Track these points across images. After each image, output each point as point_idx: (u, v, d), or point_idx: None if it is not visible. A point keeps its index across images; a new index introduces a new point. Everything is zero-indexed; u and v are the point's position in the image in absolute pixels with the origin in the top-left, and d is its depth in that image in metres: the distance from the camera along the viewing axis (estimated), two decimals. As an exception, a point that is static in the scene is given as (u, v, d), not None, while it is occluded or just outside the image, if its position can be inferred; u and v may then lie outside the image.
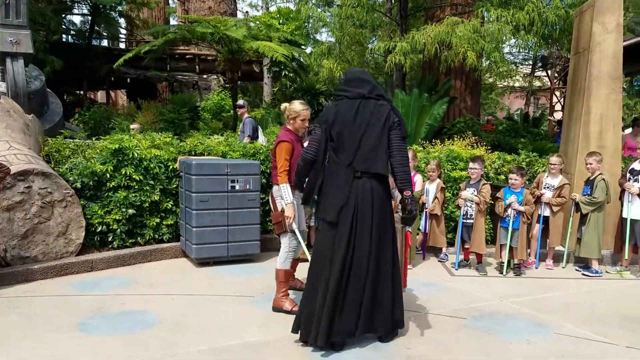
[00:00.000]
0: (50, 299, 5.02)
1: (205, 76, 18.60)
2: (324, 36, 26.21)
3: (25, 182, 5.61)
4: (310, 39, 18.17)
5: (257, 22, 15.01)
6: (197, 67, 18.50)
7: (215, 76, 18.48)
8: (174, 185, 6.76)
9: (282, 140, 4.62)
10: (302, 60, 13.76)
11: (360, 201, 3.81)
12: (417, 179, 6.57)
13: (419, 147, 8.46)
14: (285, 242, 4.75)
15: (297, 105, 4.76)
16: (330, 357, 3.80)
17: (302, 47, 15.54)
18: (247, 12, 25.18)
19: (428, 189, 6.79)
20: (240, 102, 9.66)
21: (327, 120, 3.89)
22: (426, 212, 6.76)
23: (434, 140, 9.77)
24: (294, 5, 14.57)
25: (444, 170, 7.36)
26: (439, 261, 6.88)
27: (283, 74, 16.06)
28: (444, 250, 6.93)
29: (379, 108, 3.84)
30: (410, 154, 6.46)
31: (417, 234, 6.85)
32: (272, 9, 20.02)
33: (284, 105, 4.90)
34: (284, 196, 4.52)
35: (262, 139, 9.31)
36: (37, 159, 6.14)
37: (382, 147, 3.82)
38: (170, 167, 6.73)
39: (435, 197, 6.69)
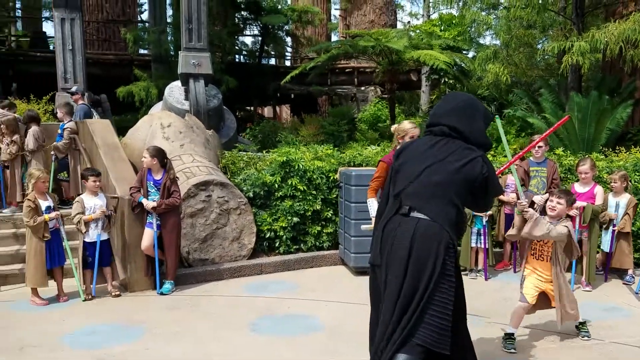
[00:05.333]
0: (226, 299, 5.46)
1: (363, 88, 18.93)
2: (487, 39, 25.11)
3: (206, 192, 6.21)
4: (473, 43, 17.49)
5: (418, 31, 14.86)
6: (355, 79, 18.89)
7: (372, 87, 18.72)
8: (334, 195, 6.94)
9: (380, 160, 5.03)
10: (463, 65, 13.30)
11: (395, 245, 2.96)
12: (598, 190, 5.89)
13: (600, 155, 7.59)
14: None
15: (406, 125, 4.96)
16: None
17: (464, 52, 15.04)
18: (408, 21, 25.16)
19: (618, 203, 6.02)
20: (73, 88, 9.11)
21: (397, 152, 3.31)
22: (614, 229, 6.00)
23: (617, 147, 8.71)
24: (457, 10, 14.13)
25: (631, 181, 6.49)
26: (623, 284, 6.07)
27: (442, 81, 15.69)
28: (630, 271, 6.10)
29: (464, 151, 3.06)
30: (588, 163, 5.86)
31: (597, 252, 6.13)
32: (434, 16, 19.70)
33: (394, 126, 5.11)
34: (370, 210, 4.90)
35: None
36: (216, 170, 6.77)
37: (448, 191, 2.97)
38: (331, 177, 6.93)
39: (626, 213, 5.92)
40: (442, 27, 17.29)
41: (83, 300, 5.30)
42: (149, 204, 5.46)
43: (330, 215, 6.94)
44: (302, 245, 6.90)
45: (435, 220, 2.91)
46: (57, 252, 5.32)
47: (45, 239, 5.16)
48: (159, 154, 5.58)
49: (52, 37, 13.68)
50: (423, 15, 22.48)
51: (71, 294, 5.39)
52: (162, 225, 5.54)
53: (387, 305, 2.92)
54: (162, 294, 5.54)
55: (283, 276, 6.33)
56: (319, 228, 6.92)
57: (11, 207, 6.81)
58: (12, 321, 4.73)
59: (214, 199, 6.26)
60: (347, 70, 18.89)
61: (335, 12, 27.60)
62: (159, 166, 5.58)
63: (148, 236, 5.56)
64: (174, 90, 10.02)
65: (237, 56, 17.87)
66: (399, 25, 23.36)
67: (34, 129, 6.97)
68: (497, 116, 3.93)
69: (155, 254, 5.58)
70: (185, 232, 6.08)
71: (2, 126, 6.91)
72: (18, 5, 18.06)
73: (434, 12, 18.96)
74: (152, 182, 5.57)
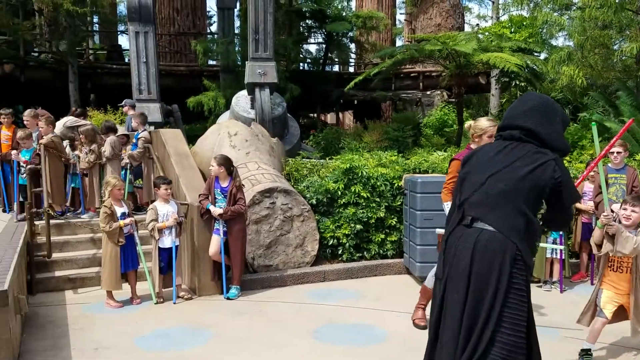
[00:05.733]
0: (290, 306, 5.49)
1: (428, 92, 18.63)
2: (560, 41, 24.08)
3: (270, 199, 6.30)
4: (545, 45, 16.86)
5: (487, 34, 14.44)
6: (420, 84, 18.63)
7: (439, 92, 18.37)
8: (399, 203, 6.84)
9: (453, 158, 4.61)
10: (535, 68, 12.80)
11: (456, 258, 2.84)
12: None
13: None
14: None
15: (483, 122, 4.59)
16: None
17: (536, 54, 14.49)
18: (477, 24, 24.54)
19: None
20: (123, 102, 9.57)
21: (463, 160, 3.16)
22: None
23: None
24: (528, 12, 13.60)
25: None
26: None
27: (513, 83, 15.18)
28: None
29: (534, 155, 2.85)
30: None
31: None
32: (503, 18, 19.12)
33: (468, 123, 4.76)
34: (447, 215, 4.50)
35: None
36: (280, 177, 6.85)
37: (515, 199, 2.78)
38: (396, 185, 6.84)
39: None
40: (512, 29, 16.73)
41: (155, 304, 5.50)
42: (216, 210, 5.60)
43: (394, 223, 6.84)
44: (365, 253, 6.85)
45: (499, 231, 2.76)
46: (131, 257, 5.55)
47: (120, 244, 5.40)
48: (226, 163, 5.72)
49: (127, 50, 14.39)
50: (492, 17, 21.90)
51: (144, 296, 5.60)
52: (228, 231, 5.66)
53: (450, 323, 2.81)
54: (228, 298, 5.66)
55: (346, 284, 6.30)
56: (382, 236, 6.84)
57: (89, 213, 7.19)
58: (88, 323, 4.98)
59: (278, 206, 6.33)
60: (412, 74, 18.66)
61: (401, 16, 27.40)
62: (226, 174, 5.71)
63: (215, 242, 5.70)
64: (241, 99, 10.26)
65: (301, 64, 18.09)
66: (467, 28, 22.85)
67: (111, 138, 7.34)
68: (594, 123, 3.68)
69: (222, 259, 5.71)
70: (250, 238, 6.18)
71: (81, 136, 7.33)
72: (95, 19, 19.19)
73: (504, 14, 18.38)
74: (219, 190, 5.71)
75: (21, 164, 7.24)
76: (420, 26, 19.98)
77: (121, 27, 21.26)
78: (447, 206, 4.56)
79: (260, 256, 6.31)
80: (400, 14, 27.35)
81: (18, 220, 6.81)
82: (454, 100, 14.19)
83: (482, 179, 2.89)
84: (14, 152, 7.39)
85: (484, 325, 2.69)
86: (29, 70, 15.30)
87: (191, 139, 8.38)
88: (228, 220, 5.63)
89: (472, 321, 2.72)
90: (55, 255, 6.24)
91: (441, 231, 4.78)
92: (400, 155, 7.82)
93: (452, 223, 2.98)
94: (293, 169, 7.51)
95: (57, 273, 6.09)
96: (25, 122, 7.86)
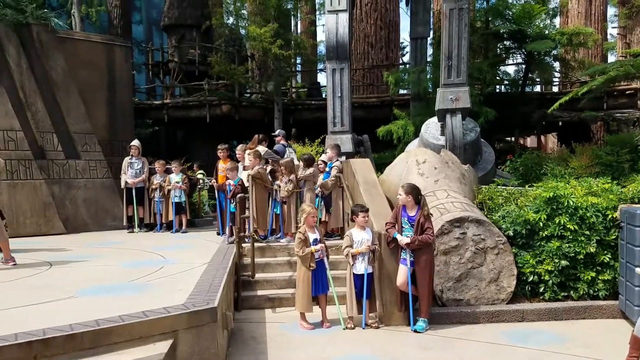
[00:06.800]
0: (483, 345, 5.10)
1: (649, 111, 16.31)
2: None
3: (460, 229, 6.01)
4: None
5: None
6: (639, 102, 16.43)
7: (662, 110, 15.94)
8: (613, 237, 5.99)
9: None
10: None
11: None
12: None
13: None
14: None
15: None
16: None
17: None
18: None
19: None
20: (275, 132, 10.07)
21: None
22: None
23: None
24: None
25: None
26: None
27: None
28: None
29: None
30: None
31: None
32: None
33: None
34: None
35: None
36: (471, 206, 6.51)
37: None
38: (609, 216, 6.00)
39: None
40: None
41: (343, 329, 5.59)
42: (403, 239, 5.52)
43: (607, 259, 5.99)
44: (572, 292, 6.10)
45: None
46: (322, 281, 5.75)
47: (311, 269, 5.64)
48: (413, 191, 5.63)
49: (325, 86, 15.39)
50: None
51: (332, 321, 5.73)
52: (416, 261, 5.53)
53: None
54: (415, 331, 5.49)
55: (549, 326, 5.65)
56: (593, 274, 6.03)
57: (287, 237, 7.71)
58: (284, 341, 5.26)
59: (468, 237, 6.00)
60: (627, 92, 16.63)
61: (612, 30, 24.84)
62: (413, 203, 5.62)
63: (402, 272, 5.60)
64: (430, 126, 10.14)
65: (497, 86, 17.35)
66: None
67: (311, 169, 7.86)
68: None
69: (409, 290, 5.58)
70: (439, 270, 5.95)
71: (281, 168, 7.95)
72: (298, 60, 20.99)
73: None
74: (406, 218, 5.63)
75: (230, 187, 8.07)
76: (636, 40, 17.78)
77: (320, 66, 22.91)
78: None
79: (449, 289, 6.02)
80: (612, 27, 24.81)
81: (229, 243, 7.62)
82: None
83: None
84: (228, 181, 8.32)
85: None
86: (241, 109, 17.36)
87: (380, 167, 8.50)
88: (415, 250, 5.50)
89: None
90: (258, 276, 6.79)
91: None
92: (614, 182, 6.93)
93: None
94: (487, 197, 7.10)
95: (259, 292, 6.60)
96: (237, 156, 8.85)
